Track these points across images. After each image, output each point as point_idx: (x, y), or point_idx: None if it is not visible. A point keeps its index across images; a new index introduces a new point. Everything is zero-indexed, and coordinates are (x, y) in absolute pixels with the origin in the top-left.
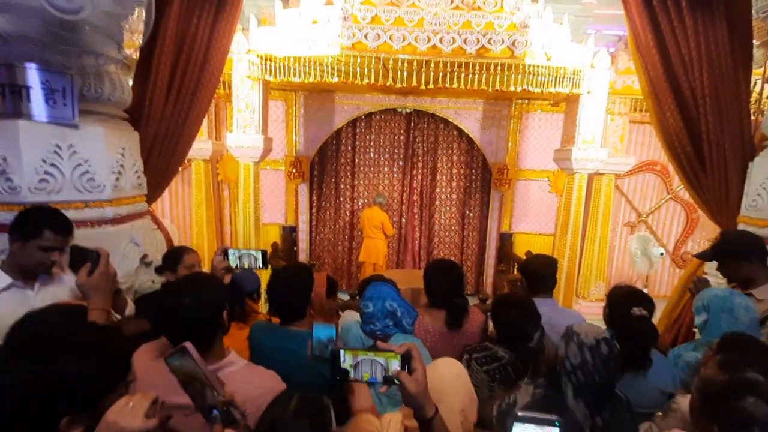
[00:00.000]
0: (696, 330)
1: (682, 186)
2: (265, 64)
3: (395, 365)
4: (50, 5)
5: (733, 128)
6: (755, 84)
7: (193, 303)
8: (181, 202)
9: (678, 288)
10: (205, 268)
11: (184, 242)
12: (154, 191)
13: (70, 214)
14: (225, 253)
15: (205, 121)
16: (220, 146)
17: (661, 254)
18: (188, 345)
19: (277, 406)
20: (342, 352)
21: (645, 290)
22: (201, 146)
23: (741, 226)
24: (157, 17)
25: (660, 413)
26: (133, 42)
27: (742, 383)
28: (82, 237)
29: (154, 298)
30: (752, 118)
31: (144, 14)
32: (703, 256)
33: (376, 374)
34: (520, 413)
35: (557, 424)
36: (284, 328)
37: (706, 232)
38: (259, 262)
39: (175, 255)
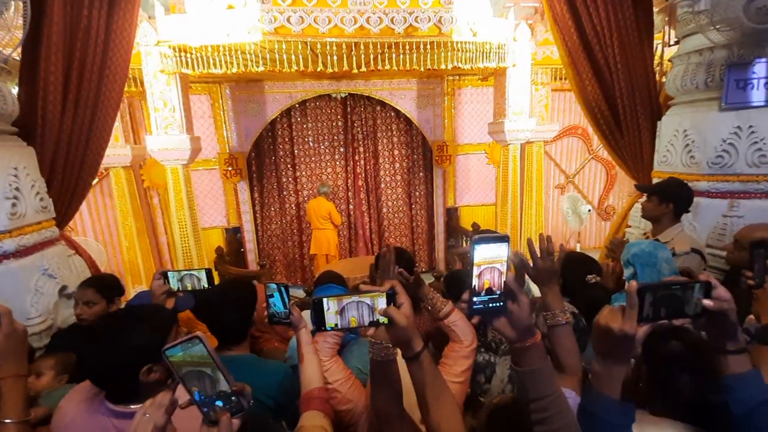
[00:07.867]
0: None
1: (601, 146)
2: (180, 56)
3: (382, 303)
4: None
5: (642, 91)
6: (656, 48)
7: (130, 350)
8: (103, 217)
9: (608, 240)
10: (143, 286)
11: (114, 260)
12: (65, 212)
13: None
14: (165, 275)
15: (119, 124)
16: (140, 150)
17: (589, 211)
18: (200, 334)
19: None
20: (325, 300)
21: (578, 245)
22: (118, 152)
23: (655, 181)
24: (38, 11)
25: None
26: (10, 41)
27: (666, 329)
28: None
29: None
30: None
31: (21, 7)
32: (642, 188)
33: (363, 317)
34: (476, 236)
35: (507, 239)
36: (221, 354)
37: (624, 187)
38: (204, 282)
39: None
